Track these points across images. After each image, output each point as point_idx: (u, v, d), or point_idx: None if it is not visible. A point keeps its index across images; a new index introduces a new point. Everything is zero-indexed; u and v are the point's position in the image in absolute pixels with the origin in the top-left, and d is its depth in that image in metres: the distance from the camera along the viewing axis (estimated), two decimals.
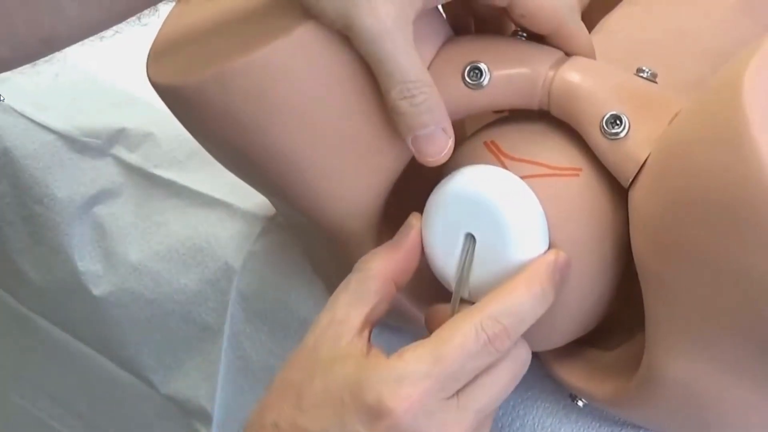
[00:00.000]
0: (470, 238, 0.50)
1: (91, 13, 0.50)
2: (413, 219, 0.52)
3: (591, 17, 0.58)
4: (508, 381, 0.48)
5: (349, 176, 0.51)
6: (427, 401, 0.45)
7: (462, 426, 0.46)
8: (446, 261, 0.51)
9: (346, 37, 0.48)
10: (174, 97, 0.53)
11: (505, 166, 0.50)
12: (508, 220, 0.48)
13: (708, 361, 0.46)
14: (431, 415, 0.45)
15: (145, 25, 0.53)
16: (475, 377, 0.47)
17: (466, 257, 0.50)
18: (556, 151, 0.50)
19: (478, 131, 0.53)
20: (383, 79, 0.48)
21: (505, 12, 0.51)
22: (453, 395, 0.46)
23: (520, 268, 0.48)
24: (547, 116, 0.51)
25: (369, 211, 0.53)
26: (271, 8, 0.50)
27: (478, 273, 0.50)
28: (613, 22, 0.58)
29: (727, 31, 0.58)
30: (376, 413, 0.44)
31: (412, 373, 0.45)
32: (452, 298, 0.50)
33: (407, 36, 0.47)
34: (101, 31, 0.52)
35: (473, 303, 0.48)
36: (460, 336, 0.46)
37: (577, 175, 0.50)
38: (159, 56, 0.54)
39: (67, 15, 0.49)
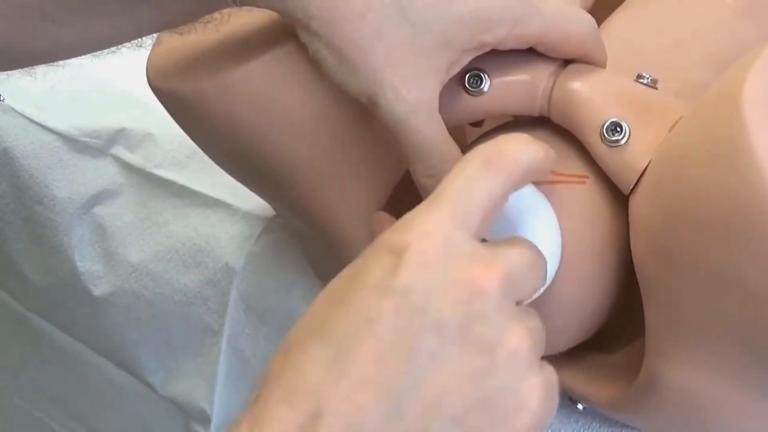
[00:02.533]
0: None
1: (87, 46, 0.51)
2: None
3: None
4: (531, 262, 0.43)
5: (348, 182, 0.51)
6: (444, 232, 0.40)
7: (491, 273, 0.40)
8: None
9: None
10: (174, 102, 0.53)
11: None
12: (524, 226, 0.48)
13: (707, 367, 0.46)
14: (454, 247, 0.40)
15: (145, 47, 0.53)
16: (501, 242, 0.42)
17: None
18: (561, 158, 0.50)
19: (481, 137, 0.53)
20: (408, 156, 0.48)
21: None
22: (473, 238, 0.41)
23: None
24: (549, 123, 0.51)
25: (368, 217, 0.52)
26: (272, 19, 0.50)
27: None
28: (613, 27, 0.58)
29: (727, 35, 0.57)
30: (397, 251, 0.39)
31: (419, 212, 0.41)
32: None
33: (431, 109, 0.47)
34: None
35: None
36: (455, 169, 0.42)
37: (584, 182, 0.50)
38: (159, 60, 0.54)
39: (64, 44, 0.50)
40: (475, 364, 0.38)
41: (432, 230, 0.40)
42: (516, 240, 0.43)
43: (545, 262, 0.44)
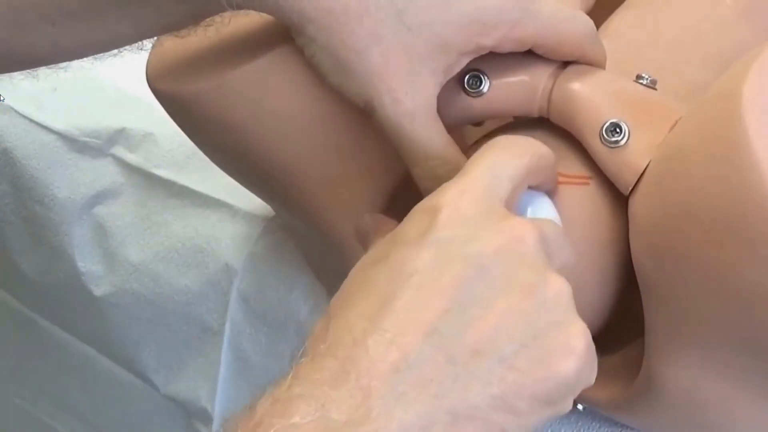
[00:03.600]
0: None
1: (87, 49, 0.51)
2: None
3: (593, 20, 0.57)
4: (562, 234, 0.44)
5: (347, 183, 0.51)
6: (476, 192, 0.41)
7: (527, 225, 0.41)
8: None
9: None
10: (173, 103, 0.53)
11: None
12: None
13: (706, 368, 0.46)
14: (486, 205, 0.41)
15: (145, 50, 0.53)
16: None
17: None
18: (564, 159, 0.50)
19: (485, 136, 0.53)
20: (407, 159, 0.48)
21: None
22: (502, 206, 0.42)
23: None
24: (549, 123, 0.51)
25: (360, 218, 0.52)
26: (269, 21, 0.50)
27: None
28: (612, 27, 0.58)
29: (727, 36, 0.57)
30: (432, 212, 0.41)
31: (450, 182, 0.42)
32: None
33: (429, 112, 0.48)
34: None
35: None
36: (477, 153, 0.43)
37: (587, 183, 0.50)
38: (159, 62, 0.54)
39: (64, 47, 0.50)
40: (522, 306, 0.39)
41: (464, 192, 0.41)
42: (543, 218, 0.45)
43: (572, 245, 0.45)
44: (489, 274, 0.39)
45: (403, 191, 0.52)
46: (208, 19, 0.49)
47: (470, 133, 0.58)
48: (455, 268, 0.39)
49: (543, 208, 0.48)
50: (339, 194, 0.52)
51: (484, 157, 0.43)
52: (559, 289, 0.40)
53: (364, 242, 0.47)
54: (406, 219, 0.42)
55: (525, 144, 0.44)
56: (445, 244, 0.39)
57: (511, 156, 0.43)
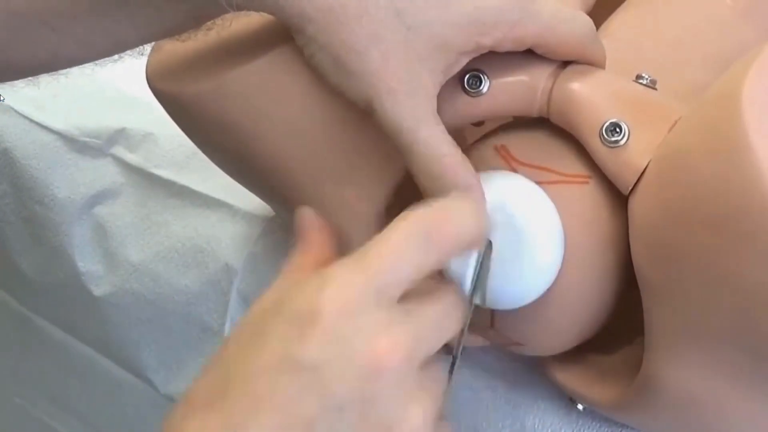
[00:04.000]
0: (487, 243, 0.49)
1: (88, 55, 0.51)
2: None
3: (593, 20, 0.57)
4: (445, 312, 0.43)
5: (347, 184, 0.51)
6: (360, 302, 0.39)
7: (395, 348, 0.39)
8: (461, 267, 0.50)
9: None
10: (172, 104, 0.53)
11: (516, 172, 0.50)
12: (527, 227, 0.48)
13: (706, 367, 0.46)
14: (364, 320, 0.39)
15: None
16: (417, 302, 0.42)
17: (481, 263, 0.49)
18: (564, 158, 0.50)
19: (485, 135, 0.53)
20: (408, 159, 0.48)
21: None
22: (391, 306, 0.40)
23: (537, 275, 0.48)
24: (549, 123, 0.51)
25: (368, 219, 0.52)
26: (269, 21, 0.50)
27: (494, 279, 0.49)
28: (612, 27, 0.58)
29: (727, 36, 0.57)
30: (305, 319, 0.39)
31: (339, 275, 0.40)
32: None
33: (429, 112, 0.47)
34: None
35: (487, 310, 0.48)
36: (389, 230, 0.41)
37: (587, 182, 0.50)
38: (158, 62, 0.54)
39: (64, 53, 0.50)
40: None
41: (347, 299, 0.39)
42: (434, 291, 0.42)
43: (465, 301, 0.44)
44: (343, 411, 0.38)
45: (404, 191, 0.52)
46: (208, 23, 0.49)
47: (470, 133, 0.58)
48: (311, 401, 0.38)
49: (537, 205, 0.48)
50: (339, 194, 0.52)
51: (390, 244, 0.40)
52: (416, 422, 0.39)
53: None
54: (277, 309, 0.40)
55: (448, 234, 0.41)
56: (307, 371, 0.38)
57: (423, 251, 0.40)
